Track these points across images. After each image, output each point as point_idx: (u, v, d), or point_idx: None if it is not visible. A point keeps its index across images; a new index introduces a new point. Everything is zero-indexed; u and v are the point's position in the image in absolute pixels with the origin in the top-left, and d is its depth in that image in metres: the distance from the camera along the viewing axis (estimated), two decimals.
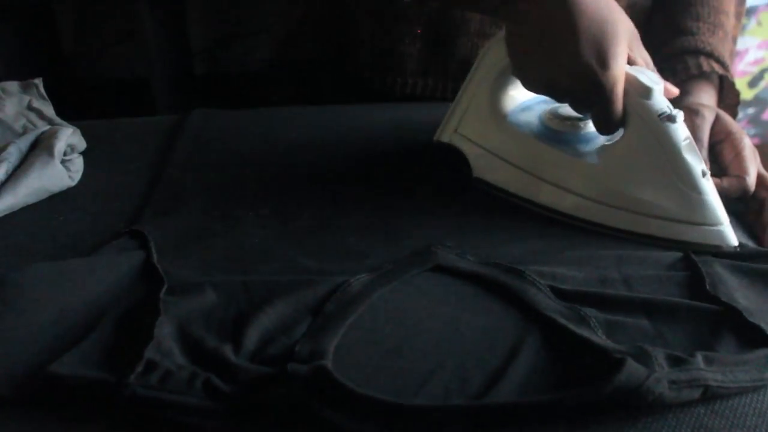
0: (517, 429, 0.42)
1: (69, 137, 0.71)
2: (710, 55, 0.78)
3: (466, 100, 0.69)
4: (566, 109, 0.65)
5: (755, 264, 0.56)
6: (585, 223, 0.62)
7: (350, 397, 0.42)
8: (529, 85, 0.63)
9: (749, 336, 0.48)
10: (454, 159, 0.69)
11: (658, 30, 0.85)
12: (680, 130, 0.58)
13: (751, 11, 1.61)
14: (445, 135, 0.70)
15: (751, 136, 0.73)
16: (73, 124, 0.76)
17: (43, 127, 0.75)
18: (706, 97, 0.78)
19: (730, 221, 0.59)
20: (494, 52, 0.66)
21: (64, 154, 0.70)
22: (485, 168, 0.68)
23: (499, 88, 0.67)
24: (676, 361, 0.44)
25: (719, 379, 0.44)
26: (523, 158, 0.65)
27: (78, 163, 0.72)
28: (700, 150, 0.69)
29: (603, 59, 0.57)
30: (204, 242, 0.60)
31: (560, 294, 0.52)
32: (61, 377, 0.44)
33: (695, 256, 0.57)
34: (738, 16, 0.87)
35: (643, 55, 0.63)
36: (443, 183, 0.70)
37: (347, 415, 0.41)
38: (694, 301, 0.51)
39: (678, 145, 0.58)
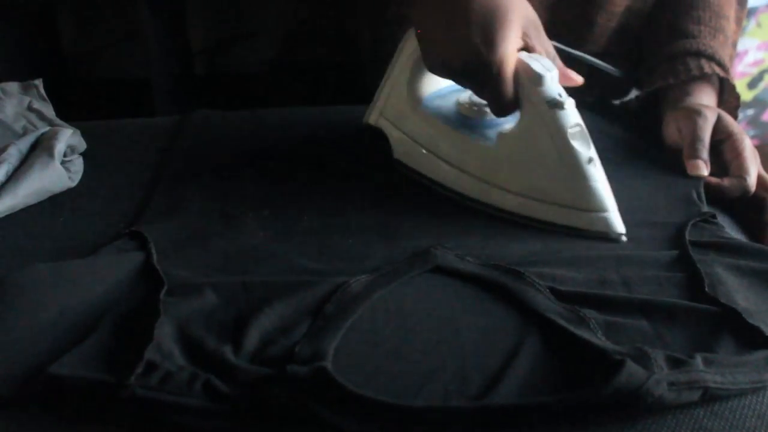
0: (516, 430, 0.42)
1: (69, 138, 0.71)
2: (711, 58, 0.79)
3: (389, 84, 0.71)
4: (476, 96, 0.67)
5: (755, 264, 0.56)
6: (483, 206, 0.64)
7: (350, 398, 0.42)
8: (430, 68, 0.65)
9: (749, 337, 0.48)
10: (383, 141, 0.72)
11: (660, 32, 0.85)
12: (569, 117, 0.59)
13: (751, 12, 1.61)
14: (372, 117, 0.73)
15: (751, 138, 0.73)
16: (73, 125, 0.76)
17: (43, 128, 0.75)
18: (707, 99, 0.78)
19: (731, 221, 0.59)
20: (413, 37, 0.67)
21: (64, 155, 0.70)
22: (402, 150, 0.70)
23: (417, 72, 0.69)
24: (675, 363, 0.44)
25: (718, 381, 0.44)
26: (432, 142, 0.67)
27: (78, 164, 0.72)
28: (701, 149, 0.69)
29: (490, 40, 0.59)
30: (204, 243, 0.60)
31: (560, 295, 0.52)
32: (61, 378, 0.44)
33: (695, 256, 0.57)
34: (738, 21, 0.87)
35: (543, 44, 0.64)
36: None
37: (347, 416, 0.41)
38: (694, 303, 0.51)
39: (564, 132, 0.59)
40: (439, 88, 0.71)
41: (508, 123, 0.64)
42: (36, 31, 1.73)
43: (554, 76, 0.60)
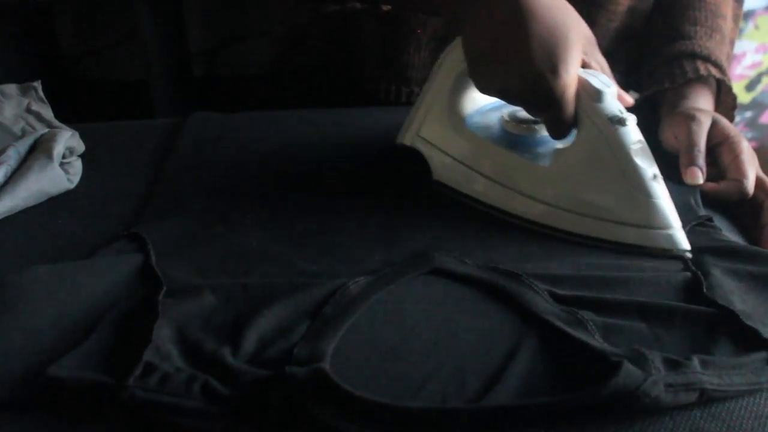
0: (514, 431, 0.42)
1: (68, 140, 0.71)
2: (707, 59, 0.78)
3: (426, 104, 0.69)
4: (524, 113, 0.66)
5: (752, 268, 0.56)
6: (539, 227, 0.62)
7: (348, 400, 0.42)
8: (483, 89, 0.63)
9: (746, 340, 0.48)
10: (418, 162, 0.69)
11: (656, 33, 0.85)
12: (631, 134, 0.59)
13: (749, 15, 1.62)
14: (408, 138, 0.71)
15: (749, 140, 0.73)
16: (71, 127, 0.76)
17: (42, 129, 0.75)
18: (703, 101, 0.78)
19: (728, 224, 0.59)
20: (454, 56, 0.66)
21: (63, 157, 0.70)
22: (444, 171, 0.68)
23: (458, 91, 0.67)
24: (672, 365, 0.44)
25: (716, 383, 0.44)
26: (479, 161, 0.66)
27: (77, 166, 0.72)
28: (697, 156, 0.69)
29: (553, 66, 0.57)
30: (202, 245, 0.60)
31: (557, 298, 0.52)
32: (59, 380, 0.44)
33: (693, 259, 0.57)
34: (735, 19, 0.87)
35: (598, 59, 0.63)
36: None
37: (345, 418, 0.41)
38: (691, 305, 0.51)
39: (627, 149, 0.58)
40: (481, 105, 0.69)
41: (561, 140, 0.63)
42: (34, 33, 1.73)
43: (613, 93, 0.59)
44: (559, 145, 0.63)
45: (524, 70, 0.58)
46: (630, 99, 0.64)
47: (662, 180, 0.59)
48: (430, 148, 0.69)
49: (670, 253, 0.58)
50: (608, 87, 0.59)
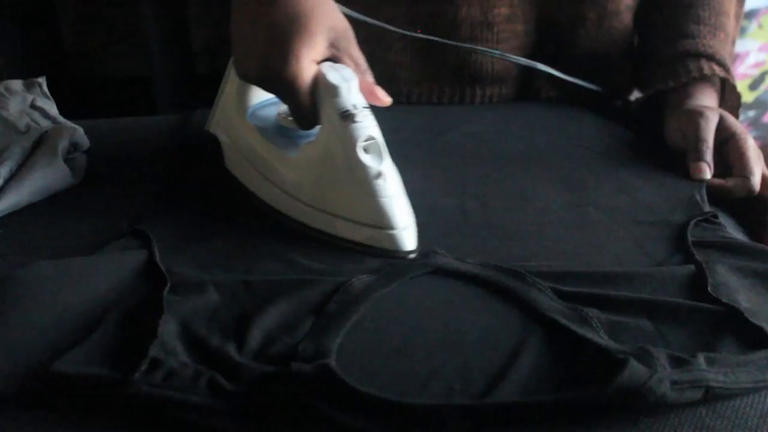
0: (519, 428, 0.42)
1: (72, 136, 0.71)
2: (711, 58, 0.78)
3: (224, 93, 0.70)
4: None
5: (757, 265, 0.56)
6: (286, 219, 0.62)
7: (354, 396, 0.42)
8: (238, 75, 0.63)
9: (751, 337, 0.48)
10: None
11: (659, 33, 0.85)
12: (360, 130, 0.57)
13: (753, 14, 1.61)
14: (212, 125, 0.72)
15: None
16: (76, 123, 0.76)
17: (47, 125, 0.75)
18: (708, 100, 0.78)
19: (732, 221, 0.59)
20: None
21: (68, 153, 0.70)
22: (230, 159, 0.69)
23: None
24: (678, 362, 0.44)
25: (721, 380, 0.44)
26: (251, 152, 0.66)
27: (81, 162, 0.72)
28: (705, 152, 0.69)
29: (283, 53, 0.58)
30: (206, 241, 0.60)
31: (561, 294, 0.52)
32: (65, 375, 0.44)
33: (698, 256, 0.57)
34: (737, 17, 0.87)
35: (352, 54, 0.62)
36: (441, 185, 0.70)
37: (351, 414, 0.41)
38: (696, 302, 0.51)
39: (353, 145, 0.57)
40: (269, 97, 0.69)
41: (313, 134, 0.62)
42: (38, 29, 1.73)
43: (352, 87, 0.58)
44: (312, 138, 0.63)
45: (260, 56, 0.59)
46: (385, 98, 0.63)
47: (392, 179, 0.58)
48: (224, 136, 0.70)
49: (393, 254, 0.57)
50: (347, 81, 0.58)
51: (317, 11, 0.59)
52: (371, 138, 0.58)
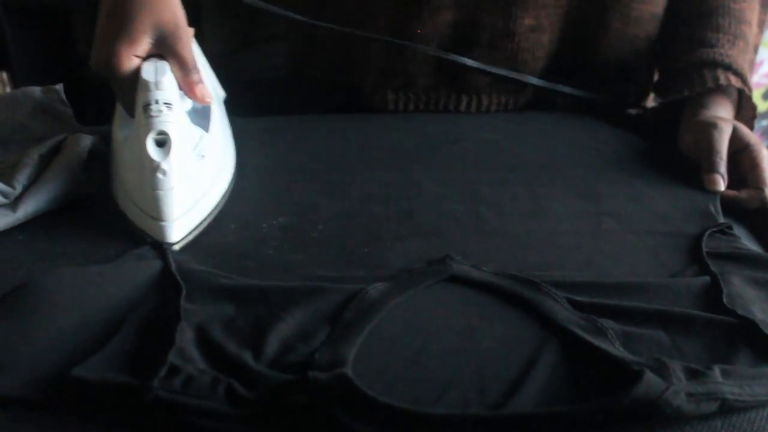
0: None
1: (90, 143, 0.72)
2: (728, 68, 0.78)
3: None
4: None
5: None
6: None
7: (371, 405, 0.42)
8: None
9: (766, 349, 0.48)
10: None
11: (678, 40, 0.85)
12: (153, 124, 0.60)
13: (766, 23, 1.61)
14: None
15: (766, 148, 0.73)
16: (93, 131, 0.77)
17: (64, 133, 0.75)
18: (723, 111, 0.77)
19: (747, 232, 0.59)
20: None
21: (86, 161, 0.71)
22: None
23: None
24: (693, 374, 0.44)
25: (736, 393, 0.44)
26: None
27: (99, 170, 0.72)
28: (718, 163, 0.69)
29: (108, 49, 0.63)
30: (221, 251, 0.60)
31: (577, 305, 0.52)
32: (84, 380, 0.44)
33: (713, 267, 0.57)
34: (761, 24, 0.86)
35: (178, 53, 0.65)
36: (456, 193, 0.70)
37: (368, 423, 0.42)
38: (711, 314, 0.51)
39: (143, 136, 0.60)
40: None
41: None
42: (55, 37, 1.74)
43: (162, 83, 0.62)
44: None
45: (96, 48, 0.65)
46: (205, 97, 0.67)
47: (175, 174, 0.60)
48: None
49: (159, 246, 0.60)
50: (156, 77, 0.62)
51: (146, 11, 0.64)
52: (163, 133, 0.60)
